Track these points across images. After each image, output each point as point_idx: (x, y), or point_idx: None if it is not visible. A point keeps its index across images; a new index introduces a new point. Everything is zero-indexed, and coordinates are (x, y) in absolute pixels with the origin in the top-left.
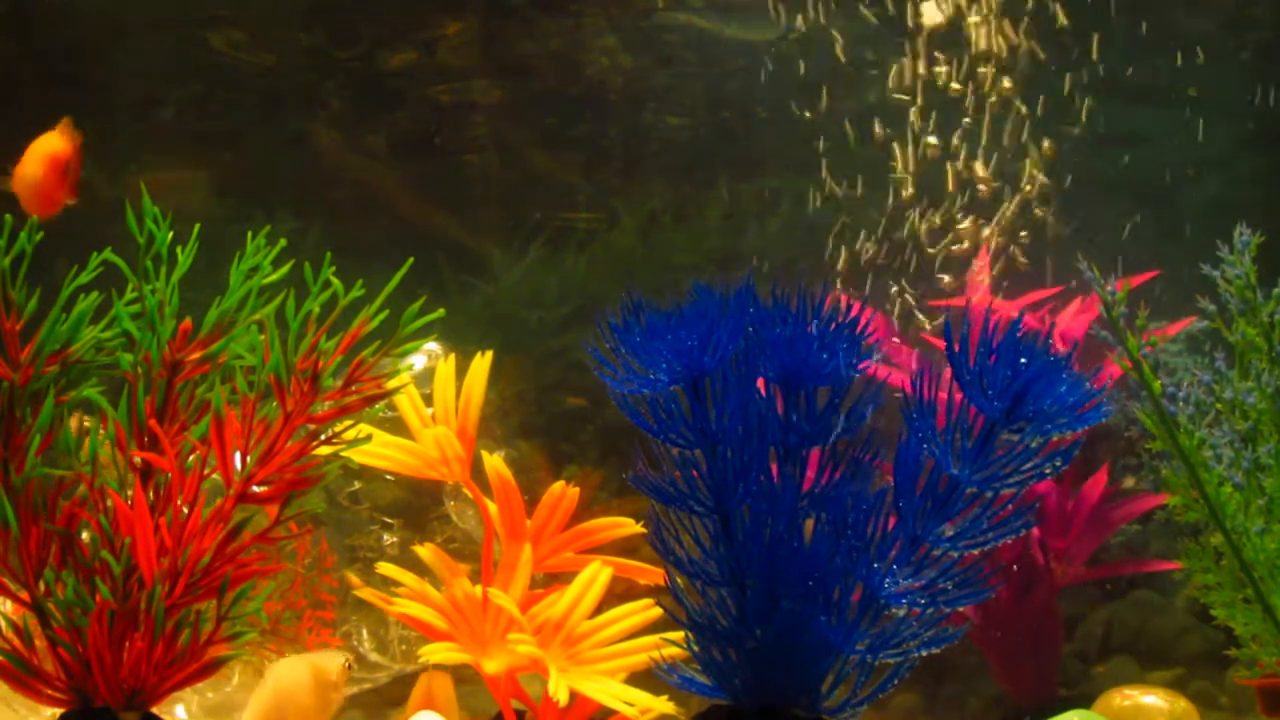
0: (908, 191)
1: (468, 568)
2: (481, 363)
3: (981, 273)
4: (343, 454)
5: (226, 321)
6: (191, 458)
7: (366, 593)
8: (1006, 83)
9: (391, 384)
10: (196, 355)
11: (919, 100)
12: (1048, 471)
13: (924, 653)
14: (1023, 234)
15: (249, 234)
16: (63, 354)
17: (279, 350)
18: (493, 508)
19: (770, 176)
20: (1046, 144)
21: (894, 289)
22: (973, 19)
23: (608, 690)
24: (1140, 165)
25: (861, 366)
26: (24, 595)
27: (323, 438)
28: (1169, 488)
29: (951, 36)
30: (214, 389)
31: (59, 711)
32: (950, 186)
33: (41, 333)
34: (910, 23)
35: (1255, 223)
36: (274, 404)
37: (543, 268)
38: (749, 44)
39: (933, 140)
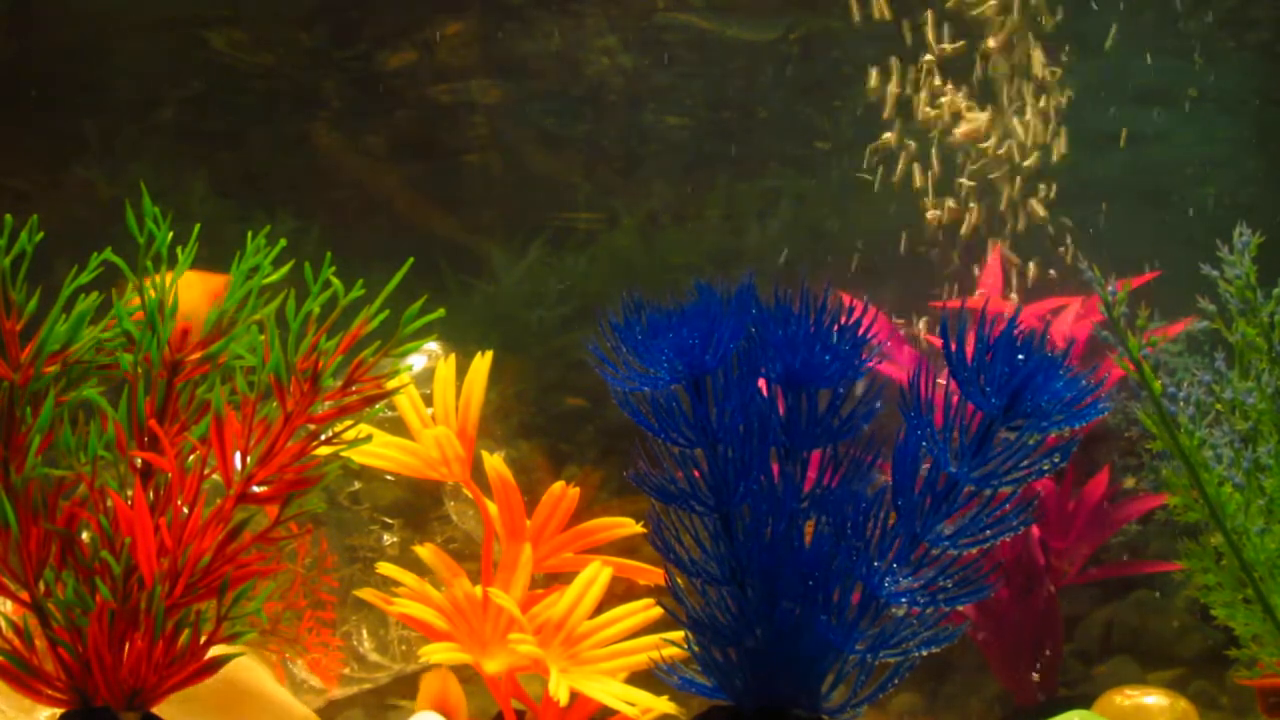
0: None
1: (467, 567)
2: (481, 363)
3: (993, 274)
4: (343, 454)
5: (226, 322)
6: (191, 458)
7: (367, 593)
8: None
9: (391, 384)
10: (196, 355)
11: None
12: (1046, 469)
13: (924, 652)
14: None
15: (249, 234)
16: (63, 354)
17: (279, 350)
18: (493, 508)
19: (770, 177)
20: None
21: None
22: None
23: (608, 690)
24: (1142, 165)
25: (864, 368)
26: (24, 595)
27: (323, 438)
28: (1169, 488)
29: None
30: (214, 389)
31: (58, 712)
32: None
33: (42, 333)
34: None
35: (1255, 223)
36: (274, 404)
37: (543, 268)
38: (749, 44)
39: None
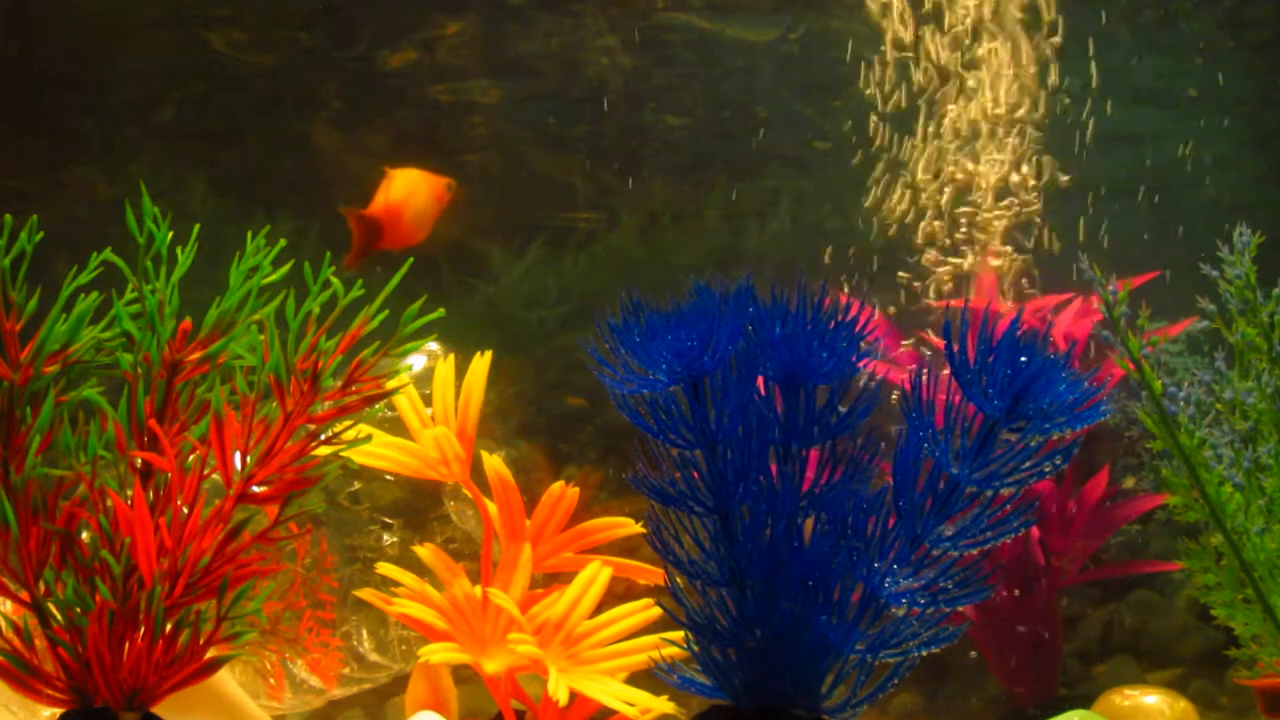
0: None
1: (467, 567)
2: (481, 363)
3: (988, 275)
4: (343, 454)
5: (226, 321)
6: (191, 458)
7: (366, 593)
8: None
9: (391, 384)
10: (196, 355)
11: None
12: (1047, 470)
13: (924, 653)
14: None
15: (249, 234)
16: (63, 354)
17: (279, 350)
18: (492, 508)
19: (770, 176)
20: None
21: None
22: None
23: (608, 690)
24: (1142, 165)
25: (862, 365)
26: (24, 595)
27: (323, 438)
28: (1169, 488)
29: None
30: (214, 389)
31: (58, 712)
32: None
33: (41, 333)
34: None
35: (1256, 223)
36: (274, 404)
37: (543, 268)
38: (749, 44)
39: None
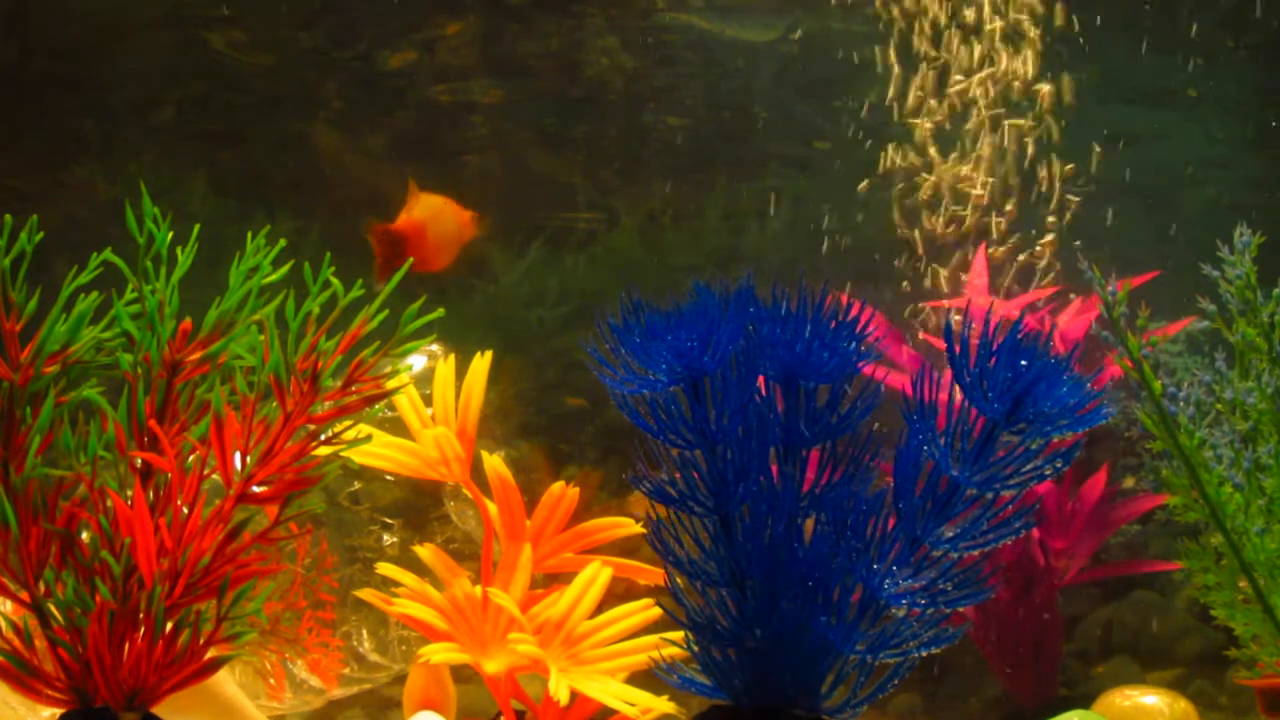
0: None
1: (467, 568)
2: (481, 363)
3: (979, 274)
4: (343, 454)
5: (226, 322)
6: (191, 458)
7: (366, 593)
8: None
9: (391, 384)
10: (196, 355)
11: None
12: (1048, 473)
13: (924, 653)
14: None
15: (249, 234)
16: (63, 354)
17: (279, 350)
18: (492, 508)
19: (770, 176)
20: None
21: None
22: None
23: (608, 690)
24: (1142, 165)
25: (862, 365)
26: (24, 595)
27: (323, 438)
28: (1169, 488)
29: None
30: (214, 389)
31: (59, 712)
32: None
33: (41, 333)
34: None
35: (1255, 223)
36: (274, 404)
37: (543, 268)
38: (749, 44)
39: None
